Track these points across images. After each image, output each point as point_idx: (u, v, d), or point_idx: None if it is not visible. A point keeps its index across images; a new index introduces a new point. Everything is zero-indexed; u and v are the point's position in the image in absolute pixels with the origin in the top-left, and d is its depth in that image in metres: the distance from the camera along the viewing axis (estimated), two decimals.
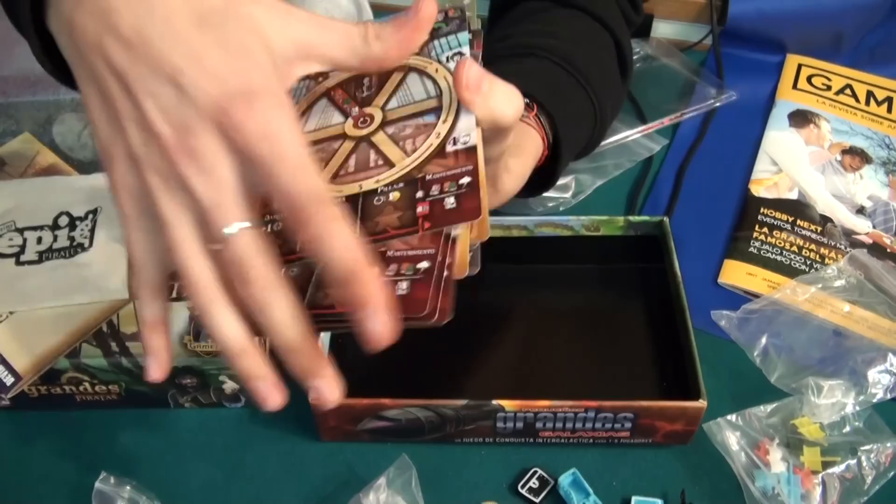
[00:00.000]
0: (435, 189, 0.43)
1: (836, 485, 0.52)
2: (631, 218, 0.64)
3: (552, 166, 0.61)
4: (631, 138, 0.78)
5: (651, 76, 0.84)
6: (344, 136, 0.48)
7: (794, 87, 0.82)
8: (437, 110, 0.47)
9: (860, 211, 0.71)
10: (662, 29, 0.90)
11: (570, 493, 0.52)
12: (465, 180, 0.43)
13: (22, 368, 0.54)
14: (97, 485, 0.50)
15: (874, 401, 0.55)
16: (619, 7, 0.70)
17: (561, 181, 0.71)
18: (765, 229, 0.69)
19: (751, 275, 0.65)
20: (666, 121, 0.80)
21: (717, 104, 0.82)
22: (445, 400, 0.52)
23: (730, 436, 0.53)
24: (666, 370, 0.57)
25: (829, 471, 0.52)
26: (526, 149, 0.57)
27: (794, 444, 0.54)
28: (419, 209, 0.43)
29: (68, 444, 0.56)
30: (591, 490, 0.52)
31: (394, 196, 0.44)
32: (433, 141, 0.46)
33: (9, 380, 0.53)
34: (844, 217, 0.70)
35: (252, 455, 0.55)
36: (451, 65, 0.49)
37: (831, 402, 0.55)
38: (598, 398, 0.51)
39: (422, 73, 0.50)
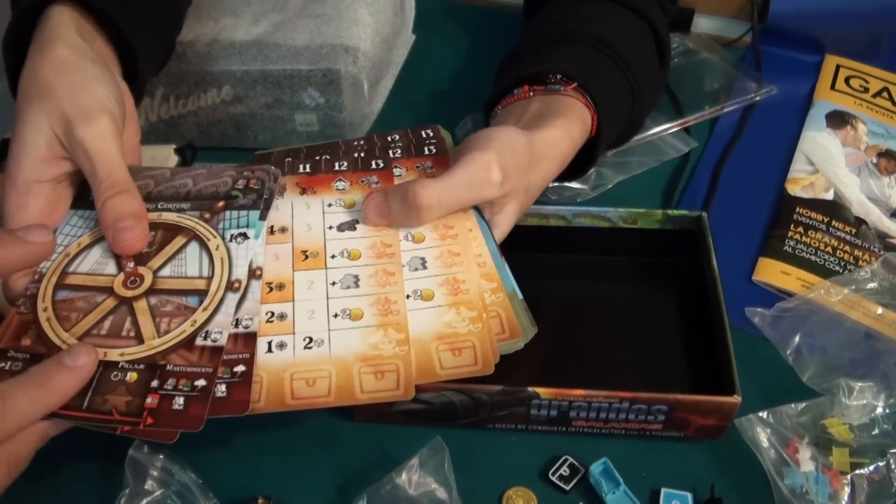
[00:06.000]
0: (170, 383, 0.44)
1: (865, 486, 0.52)
2: (669, 211, 0.63)
3: (590, 148, 0.61)
4: (661, 135, 0.77)
5: (690, 70, 0.83)
6: (110, 292, 0.48)
7: (832, 87, 0.82)
8: (201, 294, 0.48)
9: (895, 215, 0.70)
10: (703, 24, 0.89)
11: (600, 481, 0.52)
12: (200, 383, 0.44)
13: None
14: (131, 452, 0.50)
15: None
16: None
17: None
18: (800, 229, 0.68)
19: (785, 273, 0.65)
20: (705, 114, 0.79)
21: (758, 98, 0.82)
22: (481, 385, 0.52)
23: (760, 432, 0.53)
24: (697, 365, 0.57)
25: (858, 472, 0.52)
26: (569, 115, 0.58)
27: (823, 443, 0.54)
28: (148, 399, 0.44)
29: None
30: (621, 480, 0.52)
31: (130, 376, 0.45)
32: (186, 328, 0.47)
33: None
34: (879, 220, 0.70)
35: (285, 430, 0.56)
36: (233, 245, 0.50)
37: (861, 403, 0.55)
38: (629, 389, 0.52)
39: (203, 244, 0.50)
